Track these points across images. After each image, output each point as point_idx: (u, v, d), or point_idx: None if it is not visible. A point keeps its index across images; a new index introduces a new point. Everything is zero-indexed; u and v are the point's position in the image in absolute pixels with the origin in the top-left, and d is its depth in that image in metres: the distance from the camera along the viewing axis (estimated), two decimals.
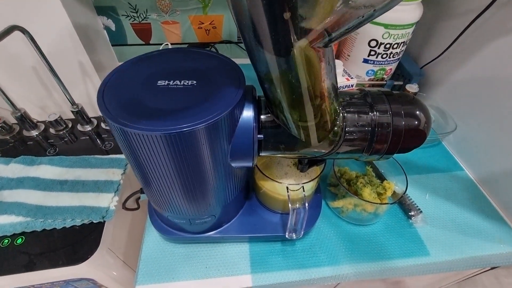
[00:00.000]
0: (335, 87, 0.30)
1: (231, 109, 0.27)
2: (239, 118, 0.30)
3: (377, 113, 0.32)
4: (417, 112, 0.33)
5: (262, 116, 0.32)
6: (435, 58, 0.64)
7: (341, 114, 0.32)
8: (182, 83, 0.30)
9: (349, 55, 0.66)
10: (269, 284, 0.41)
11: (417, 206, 0.49)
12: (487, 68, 0.53)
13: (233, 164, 0.33)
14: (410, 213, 0.48)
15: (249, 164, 0.33)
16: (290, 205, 0.36)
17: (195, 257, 0.43)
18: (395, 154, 0.35)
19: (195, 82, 0.30)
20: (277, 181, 0.38)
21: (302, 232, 0.39)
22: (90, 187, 0.51)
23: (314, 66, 0.25)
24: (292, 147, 0.33)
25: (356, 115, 0.33)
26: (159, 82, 0.30)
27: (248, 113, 0.30)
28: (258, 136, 0.31)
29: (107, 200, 0.50)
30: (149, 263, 0.42)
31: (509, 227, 0.48)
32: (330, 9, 0.20)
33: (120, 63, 0.32)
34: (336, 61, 0.56)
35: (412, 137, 0.33)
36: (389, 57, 0.61)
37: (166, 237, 0.43)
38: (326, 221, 0.48)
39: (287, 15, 0.20)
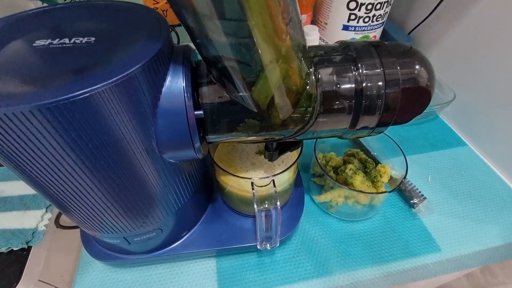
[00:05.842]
0: (300, 34, 0.21)
1: (141, 65, 0.18)
2: (163, 85, 0.20)
3: (364, 70, 0.23)
4: (417, 66, 0.24)
5: (203, 87, 0.23)
6: (423, 21, 0.56)
7: (313, 76, 0.23)
8: (72, 41, 0.20)
9: (326, 24, 0.56)
10: None
11: (420, 192, 0.41)
12: (482, 25, 0.45)
13: (167, 156, 0.23)
14: (412, 201, 0.40)
15: (191, 154, 0.23)
16: (255, 206, 0.27)
17: (147, 283, 0.33)
18: (389, 127, 0.27)
19: (93, 39, 0.20)
20: (239, 176, 0.29)
21: (278, 240, 0.30)
22: (14, 204, 0.40)
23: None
24: (251, 126, 0.24)
25: (334, 76, 0.24)
26: (36, 42, 0.20)
27: (176, 80, 0.21)
28: (196, 112, 0.21)
29: (35, 219, 0.39)
30: None
31: None
32: None
33: None
34: (311, 26, 0.46)
35: (412, 99, 0.25)
36: (372, 21, 0.53)
37: (105, 262, 0.33)
38: (312, 220, 0.39)
39: None
